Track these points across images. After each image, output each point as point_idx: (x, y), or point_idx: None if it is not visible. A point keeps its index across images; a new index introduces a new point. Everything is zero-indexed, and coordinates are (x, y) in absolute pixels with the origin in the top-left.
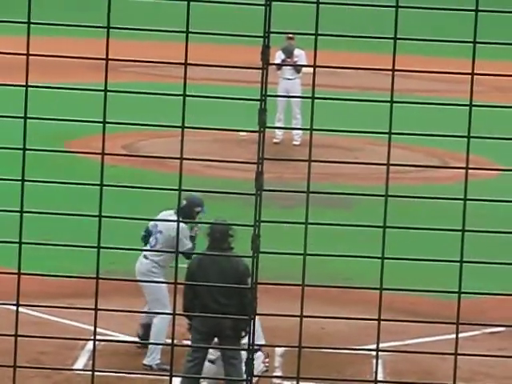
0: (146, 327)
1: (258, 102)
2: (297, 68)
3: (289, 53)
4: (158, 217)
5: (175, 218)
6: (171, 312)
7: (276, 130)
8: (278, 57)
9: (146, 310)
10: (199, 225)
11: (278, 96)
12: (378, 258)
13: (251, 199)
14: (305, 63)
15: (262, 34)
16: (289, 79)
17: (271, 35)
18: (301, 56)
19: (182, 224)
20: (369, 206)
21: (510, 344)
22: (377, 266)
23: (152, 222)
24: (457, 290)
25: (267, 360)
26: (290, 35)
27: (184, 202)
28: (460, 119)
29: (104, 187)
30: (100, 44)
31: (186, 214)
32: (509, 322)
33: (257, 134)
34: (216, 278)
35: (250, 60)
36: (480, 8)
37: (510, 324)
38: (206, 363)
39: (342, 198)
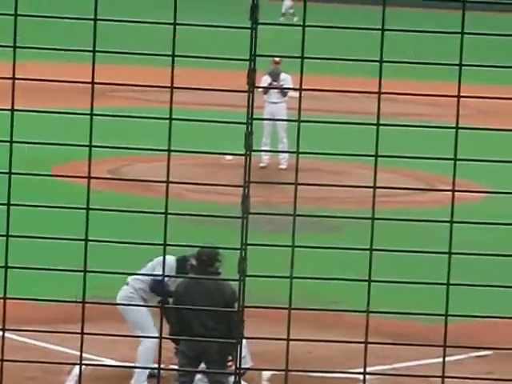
0: None
1: (244, 127)
2: (283, 92)
3: (275, 76)
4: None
5: (171, 261)
6: (156, 336)
7: (262, 155)
8: (264, 81)
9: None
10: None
11: (264, 119)
12: (365, 280)
13: (237, 224)
14: (290, 86)
15: (247, 58)
16: (275, 103)
17: (257, 59)
18: (287, 80)
19: (172, 262)
20: (356, 231)
21: (497, 368)
22: (364, 290)
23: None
24: (443, 313)
25: None
26: (276, 59)
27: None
28: (446, 143)
29: (90, 211)
30: (87, 69)
31: (179, 262)
32: (496, 345)
33: (243, 159)
34: (202, 302)
35: (237, 84)
36: (466, 31)
37: (497, 347)
38: None
39: (329, 222)
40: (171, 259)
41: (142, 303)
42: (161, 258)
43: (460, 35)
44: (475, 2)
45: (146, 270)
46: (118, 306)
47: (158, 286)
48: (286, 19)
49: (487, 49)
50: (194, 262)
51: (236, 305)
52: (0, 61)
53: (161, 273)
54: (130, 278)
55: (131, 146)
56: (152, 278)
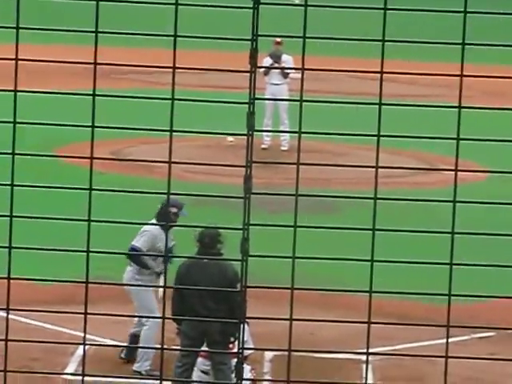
0: (133, 337)
1: (246, 108)
2: (284, 73)
3: (276, 58)
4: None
5: (154, 229)
6: (159, 317)
7: (264, 136)
8: (265, 62)
9: (136, 319)
10: (174, 236)
11: (266, 99)
12: (368, 260)
13: (239, 205)
14: (292, 66)
15: (249, 38)
16: (276, 84)
17: (259, 40)
18: (288, 61)
19: (156, 229)
20: (358, 212)
21: (500, 348)
22: (366, 271)
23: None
24: (447, 293)
25: (253, 370)
26: (278, 40)
27: (159, 206)
28: (448, 124)
29: (93, 192)
30: (88, 51)
31: (162, 216)
32: (499, 326)
33: (244, 140)
34: (205, 283)
35: (238, 66)
36: (469, 10)
37: (501, 327)
38: (201, 374)
39: (331, 203)
40: (154, 227)
41: (147, 282)
42: (145, 226)
43: (463, 14)
44: None
45: (136, 242)
46: (125, 287)
47: (134, 257)
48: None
49: (490, 29)
50: (174, 210)
51: (238, 285)
52: (1, 43)
53: (135, 241)
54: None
55: (133, 127)
56: (130, 246)
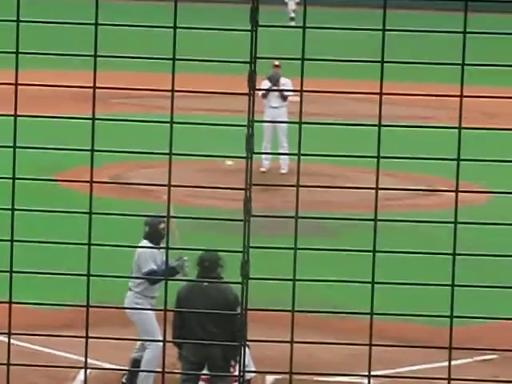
0: (135, 362)
1: (244, 131)
2: (283, 96)
3: (275, 81)
4: (138, 248)
5: (146, 243)
6: (164, 346)
7: (263, 159)
8: (263, 85)
9: (137, 344)
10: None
11: (265, 121)
12: (368, 282)
13: (238, 229)
14: (291, 89)
15: (248, 60)
16: (275, 107)
17: (258, 64)
18: (287, 84)
19: (148, 251)
20: (357, 235)
21: (503, 371)
22: (366, 294)
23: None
24: (448, 315)
25: None
26: (276, 63)
27: (147, 228)
28: (447, 145)
29: (92, 216)
30: (85, 76)
31: (154, 235)
32: (501, 349)
33: (243, 164)
34: (205, 306)
35: (236, 89)
36: (468, 30)
37: (503, 349)
38: None
39: (330, 226)
40: (147, 251)
41: (148, 306)
42: (139, 250)
43: (462, 35)
44: (477, 0)
45: (134, 268)
46: (126, 312)
47: (155, 274)
48: (286, 23)
49: (489, 50)
50: (162, 225)
51: (239, 309)
52: (1, 69)
53: (145, 266)
54: (130, 283)
55: (132, 151)
56: (148, 270)
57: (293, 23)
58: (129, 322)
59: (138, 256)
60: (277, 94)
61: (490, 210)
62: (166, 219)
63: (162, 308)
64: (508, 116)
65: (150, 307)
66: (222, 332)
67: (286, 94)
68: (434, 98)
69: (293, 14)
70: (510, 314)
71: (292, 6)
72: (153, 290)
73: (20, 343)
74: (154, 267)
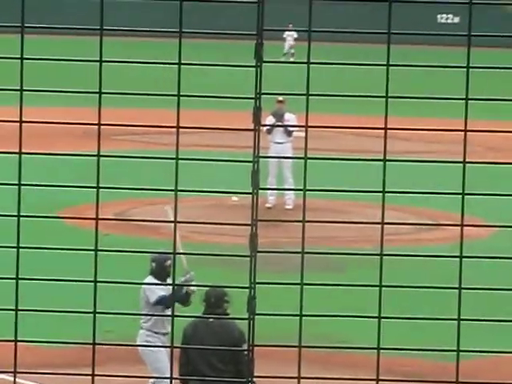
0: None
1: (249, 167)
2: (288, 131)
3: (279, 116)
4: (143, 284)
5: (151, 279)
6: (171, 380)
7: (268, 195)
8: (268, 121)
9: (150, 382)
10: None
11: (270, 157)
12: (375, 317)
13: (244, 265)
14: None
15: (252, 96)
16: (280, 143)
17: (262, 100)
18: (291, 119)
19: (150, 282)
20: (363, 270)
21: None
22: (373, 330)
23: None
24: (455, 349)
25: None
26: (280, 99)
27: (153, 264)
28: (452, 180)
29: (98, 253)
30: (92, 112)
31: (161, 272)
32: (507, 382)
33: (248, 200)
34: (211, 343)
35: (241, 125)
36: (471, 65)
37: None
38: None
39: (336, 261)
40: (153, 285)
41: (159, 344)
42: (144, 286)
43: (466, 70)
44: (480, 36)
45: (141, 305)
46: (139, 351)
47: (165, 301)
48: (286, 59)
49: (492, 84)
50: (168, 262)
51: (245, 345)
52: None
53: (152, 296)
54: (141, 321)
55: (138, 187)
56: (156, 300)
57: (292, 59)
58: (137, 360)
59: (144, 291)
60: (281, 129)
61: (496, 243)
62: (172, 256)
63: (169, 345)
64: (510, 150)
65: (160, 342)
66: (227, 369)
67: (291, 129)
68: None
69: (292, 50)
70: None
71: (290, 41)
72: (163, 324)
73: (26, 382)
74: (163, 293)
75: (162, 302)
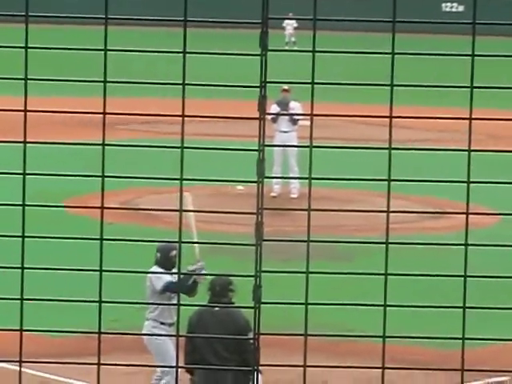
0: None
1: (255, 156)
2: (293, 120)
3: (284, 105)
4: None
5: (157, 269)
6: (177, 372)
7: (273, 184)
8: (272, 109)
9: (158, 372)
10: (203, 271)
11: (275, 146)
12: (381, 305)
13: (250, 254)
14: (300, 112)
15: (258, 85)
16: (285, 132)
17: (268, 87)
18: (296, 108)
19: (157, 273)
20: (369, 258)
21: None
22: (378, 318)
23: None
24: (460, 337)
25: None
26: (285, 87)
27: (158, 255)
28: (455, 169)
29: (103, 242)
30: (96, 102)
31: (166, 262)
32: None
33: (254, 188)
34: (216, 332)
35: (247, 113)
36: (476, 53)
37: None
38: None
39: (342, 250)
40: (155, 269)
41: (167, 337)
42: (150, 275)
43: (471, 58)
44: (486, 24)
45: (148, 294)
46: (144, 341)
47: (172, 287)
48: (289, 48)
49: (497, 73)
50: (174, 253)
51: (250, 334)
52: (9, 95)
53: (159, 283)
54: (147, 312)
55: (144, 176)
56: (163, 286)
57: (295, 48)
58: (143, 349)
59: (150, 279)
60: (287, 118)
61: (501, 231)
62: (177, 246)
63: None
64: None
65: (167, 337)
66: (233, 357)
67: (296, 118)
68: (442, 120)
69: (293, 39)
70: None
71: (290, 30)
72: (170, 314)
73: (31, 371)
74: (170, 279)
75: (169, 288)
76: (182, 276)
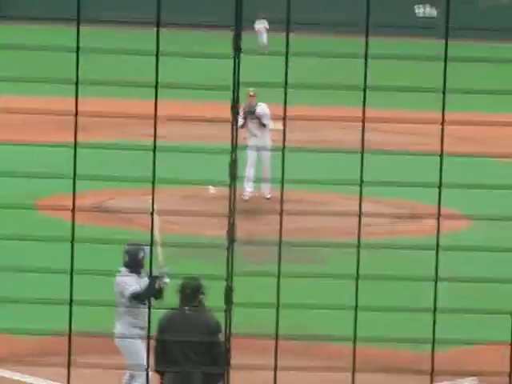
0: None
1: (227, 158)
2: (262, 124)
3: (250, 113)
4: (117, 276)
5: (124, 271)
6: (147, 374)
7: (246, 187)
8: (240, 117)
9: (127, 375)
10: (165, 278)
11: (248, 147)
12: (351, 308)
13: (220, 256)
14: (268, 116)
15: (230, 87)
16: (257, 136)
17: (240, 90)
18: (263, 109)
19: (123, 274)
20: (341, 262)
21: None
22: (349, 321)
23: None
24: (430, 340)
25: None
26: (251, 93)
27: (126, 257)
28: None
29: (74, 244)
30: (62, 103)
31: (133, 265)
32: (482, 372)
33: (226, 192)
34: (187, 334)
35: (220, 115)
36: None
37: (484, 373)
38: None
39: (314, 254)
40: (126, 277)
41: (138, 340)
42: (120, 278)
43: (443, 62)
44: (461, 29)
45: (117, 298)
46: (116, 344)
47: (139, 298)
48: (262, 50)
49: (471, 77)
50: (142, 254)
51: (221, 336)
52: None
53: (127, 290)
54: (116, 316)
55: (116, 177)
56: (129, 295)
57: (266, 51)
58: (112, 351)
59: (118, 283)
60: (256, 122)
61: (471, 235)
62: (145, 249)
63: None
64: (478, 140)
65: (139, 339)
66: (204, 360)
67: (265, 122)
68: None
69: (264, 41)
70: (490, 338)
71: (262, 33)
72: (140, 315)
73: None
74: (136, 287)
75: (137, 297)
76: (147, 283)
